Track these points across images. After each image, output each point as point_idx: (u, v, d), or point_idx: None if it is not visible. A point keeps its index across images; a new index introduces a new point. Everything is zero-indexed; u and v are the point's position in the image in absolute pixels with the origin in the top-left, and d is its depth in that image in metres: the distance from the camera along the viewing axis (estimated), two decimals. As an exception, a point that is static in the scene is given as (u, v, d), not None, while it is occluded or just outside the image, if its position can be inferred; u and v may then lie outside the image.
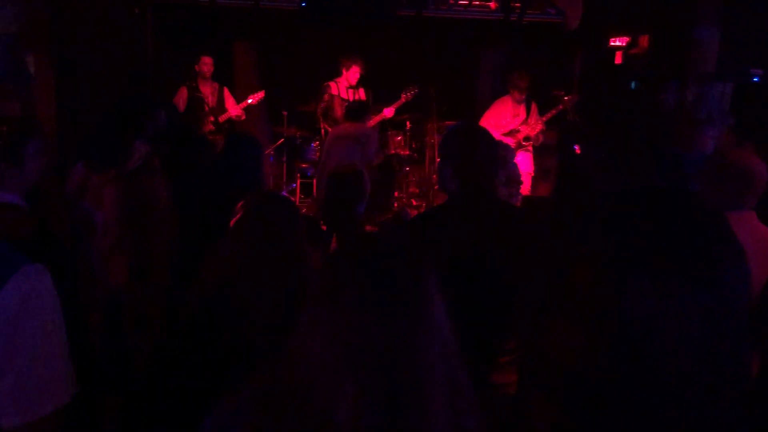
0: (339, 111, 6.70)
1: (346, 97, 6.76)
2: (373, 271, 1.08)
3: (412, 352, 1.04)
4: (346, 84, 6.71)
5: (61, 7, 5.51)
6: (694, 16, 5.13)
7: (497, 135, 6.87)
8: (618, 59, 7.20)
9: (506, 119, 6.97)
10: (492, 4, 6.78)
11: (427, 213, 2.73)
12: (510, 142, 6.87)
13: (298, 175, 8.01)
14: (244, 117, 6.90)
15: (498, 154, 2.62)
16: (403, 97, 6.82)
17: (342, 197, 3.10)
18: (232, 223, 2.00)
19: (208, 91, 6.76)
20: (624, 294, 1.48)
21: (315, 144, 7.51)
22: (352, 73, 6.68)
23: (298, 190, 8.10)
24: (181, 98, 6.69)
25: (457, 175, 2.32)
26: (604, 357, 1.52)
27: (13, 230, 2.21)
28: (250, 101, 6.84)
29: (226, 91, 6.92)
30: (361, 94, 6.83)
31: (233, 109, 6.80)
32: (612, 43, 7.17)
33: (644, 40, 6.77)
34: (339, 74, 6.77)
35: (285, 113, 8.08)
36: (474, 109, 7.61)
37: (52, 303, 1.49)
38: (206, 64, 6.70)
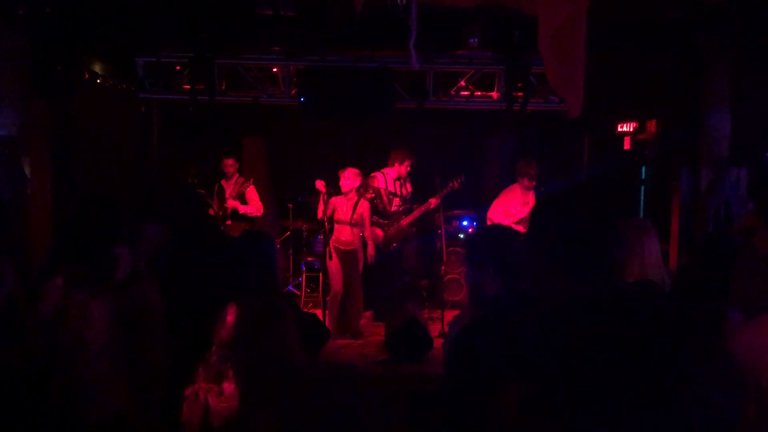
0: (386, 201, 6.75)
1: (393, 189, 6.81)
2: None
3: None
4: (394, 175, 6.74)
5: (61, 109, 5.52)
6: (703, 100, 5.01)
7: (507, 224, 6.68)
8: (627, 145, 7.09)
9: (516, 208, 6.81)
10: (494, 95, 6.74)
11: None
12: (521, 230, 6.67)
13: (304, 269, 7.84)
14: (258, 213, 7.08)
15: None
16: (450, 186, 6.77)
17: None
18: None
19: (229, 185, 7.08)
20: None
21: (321, 237, 7.36)
22: (405, 167, 6.73)
23: (303, 285, 7.91)
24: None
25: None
26: None
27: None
28: (240, 190, 7.04)
29: (250, 188, 7.05)
30: (408, 186, 6.86)
31: (230, 202, 7.02)
32: (620, 129, 7.07)
33: (652, 125, 6.66)
34: (386, 165, 6.80)
35: (291, 206, 8.02)
36: (481, 198, 7.46)
37: None
38: (227, 165, 7.08)
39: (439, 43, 5.82)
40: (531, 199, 6.82)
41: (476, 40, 5.58)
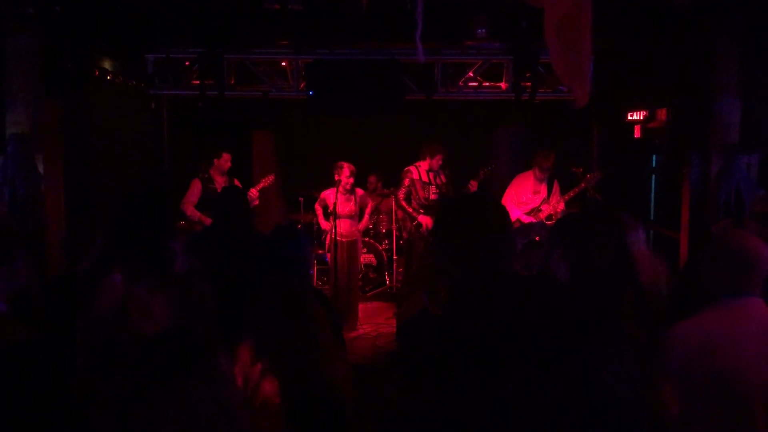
0: (422, 193, 6.85)
1: (427, 180, 6.88)
2: None
3: None
4: (426, 167, 6.87)
5: (73, 107, 5.57)
6: (713, 87, 4.97)
7: (519, 214, 6.70)
8: (637, 133, 7.06)
9: (527, 196, 6.83)
10: (503, 85, 6.73)
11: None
12: (533, 221, 6.69)
13: (315, 261, 7.89)
14: (257, 202, 6.98)
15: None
16: (482, 173, 6.92)
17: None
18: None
19: (221, 182, 6.86)
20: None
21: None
22: (437, 161, 6.84)
23: (315, 277, 7.96)
24: (195, 190, 6.70)
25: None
26: None
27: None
28: (262, 185, 7.01)
29: (236, 183, 6.99)
30: (442, 176, 6.95)
31: (249, 193, 6.87)
32: (630, 117, 7.05)
33: (662, 114, 6.63)
34: (419, 159, 6.92)
35: (301, 199, 8.08)
36: (492, 189, 7.47)
37: None
38: (227, 161, 6.90)
39: (446, 34, 5.81)
40: (543, 189, 6.83)
41: (484, 30, 5.56)
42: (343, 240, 6.66)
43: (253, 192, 6.90)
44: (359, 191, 6.88)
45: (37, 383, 2.06)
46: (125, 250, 2.78)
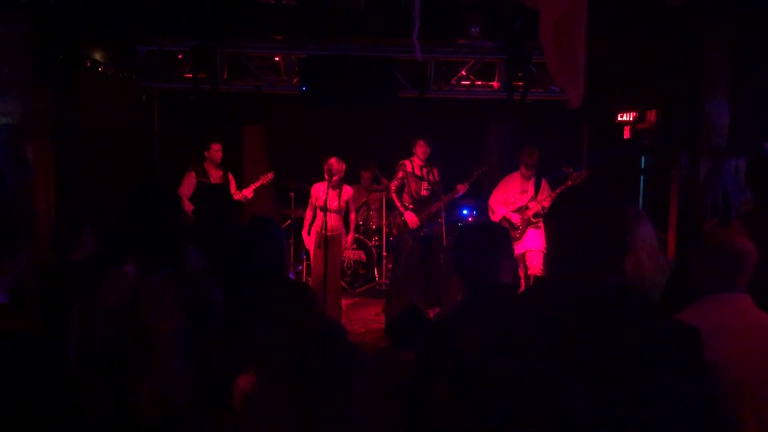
0: (414, 186, 6.79)
1: (420, 174, 6.83)
2: None
3: None
4: (419, 162, 6.79)
5: (63, 97, 5.53)
6: (702, 90, 5.02)
7: (506, 211, 6.76)
8: (627, 134, 7.11)
9: (514, 195, 6.88)
10: (495, 84, 6.77)
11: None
12: (518, 218, 6.75)
13: (304, 256, 7.90)
14: (251, 197, 7.02)
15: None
16: (475, 174, 6.87)
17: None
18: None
19: (216, 176, 6.83)
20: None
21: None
22: (420, 148, 6.71)
23: (304, 272, 7.97)
24: (190, 183, 6.68)
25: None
26: None
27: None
28: (260, 182, 7.04)
29: (230, 176, 6.98)
30: (435, 173, 6.86)
31: (245, 191, 6.98)
32: (620, 118, 7.10)
33: (652, 115, 6.68)
34: (412, 153, 6.85)
35: (292, 194, 8.07)
36: (482, 186, 7.50)
37: None
38: (217, 151, 6.84)
39: (440, 32, 5.83)
40: (530, 187, 6.87)
41: (477, 29, 5.59)
42: (331, 234, 6.65)
43: (248, 191, 6.92)
44: (347, 189, 6.80)
45: (38, 374, 2.06)
46: (140, 241, 2.64)
